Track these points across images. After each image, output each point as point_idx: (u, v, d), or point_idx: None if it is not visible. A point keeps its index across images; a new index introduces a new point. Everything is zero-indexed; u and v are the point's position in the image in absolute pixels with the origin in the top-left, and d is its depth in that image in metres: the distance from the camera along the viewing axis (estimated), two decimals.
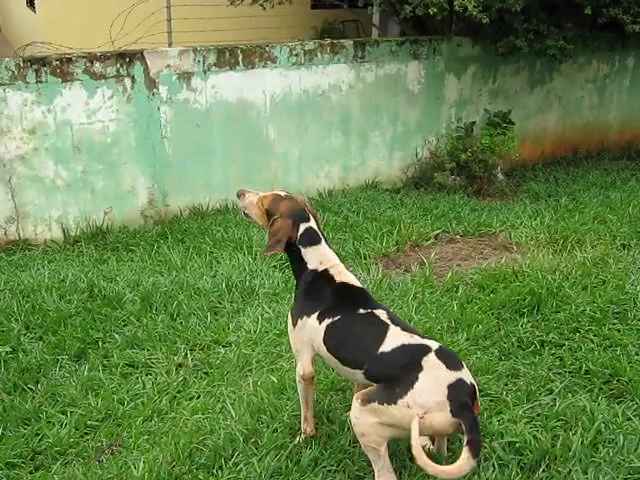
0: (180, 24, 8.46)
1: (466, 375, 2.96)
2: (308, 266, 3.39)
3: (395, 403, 2.89)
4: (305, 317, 3.34)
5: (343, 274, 3.39)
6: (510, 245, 6.54)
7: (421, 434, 2.83)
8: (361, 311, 3.25)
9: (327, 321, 3.26)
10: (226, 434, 3.67)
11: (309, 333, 3.34)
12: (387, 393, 2.93)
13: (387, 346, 3.07)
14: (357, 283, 3.40)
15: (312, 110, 7.87)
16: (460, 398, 2.85)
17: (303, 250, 3.38)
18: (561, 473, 3.28)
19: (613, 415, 3.71)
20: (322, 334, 3.27)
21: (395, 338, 3.09)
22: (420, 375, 2.89)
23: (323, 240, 3.43)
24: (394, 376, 2.96)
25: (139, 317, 5.22)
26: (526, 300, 4.96)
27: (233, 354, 4.61)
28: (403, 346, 3.04)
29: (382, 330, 3.13)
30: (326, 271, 3.37)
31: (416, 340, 3.08)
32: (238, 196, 3.58)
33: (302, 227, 3.38)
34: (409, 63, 8.29)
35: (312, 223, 3.42)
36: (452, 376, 2.89)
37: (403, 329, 3.15)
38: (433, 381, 2.87)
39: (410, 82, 8.39)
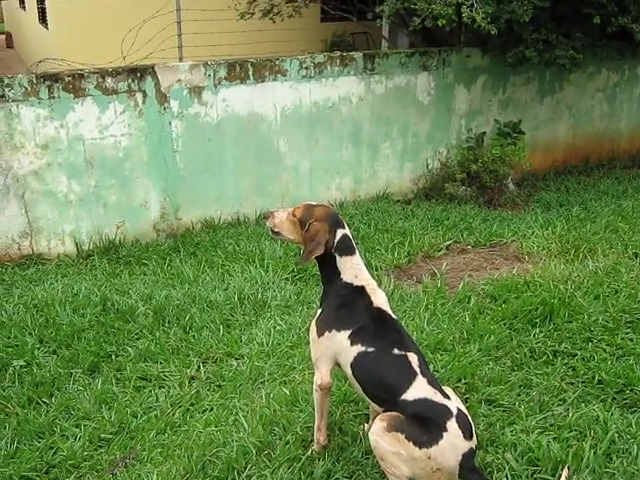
0: (191, 39, 8.52)
1: (475, 442, 3.09)
2: (342, 277, 3.30)
3: (420, 447, 2.97)
4: (334, 331, 3.28)
5: (378, 295, 3.34)
6: (522, 255, 6.52)
7: None
8: (396, 352, 3.20)
9: (360, 347, 3.22)
10: (239, 447, 3.67)
11: (336, 348, 3.29)
12: (415, 433, 2.99)
13: (410, 395, 3.09)
14: (390, 310, 3.36)
15: (322, 122, 7.90)
16: (469, 464, 3.02)
17: (339, 259, 3.29)
18: None
19: (627, 425, 3.69)
20: (351, 357, 3.24)
21: (419, 390, 3.10)
22: (444, 435, 2.99)
23: (357, 251, 3.37)
24: (418, 418, 3.03)
25: (152, 330, 5.25)
26: (538, 310, 4.94)
27: (245, 367, 4.62)
28: (425, 400, 3.08)
29: (410, 378, 3.13)
30: (362, 288, 3.30)
31: (438, 399, 3.10)
32: (266, 217, 3.47)
33: (339, 233, 3.30)
34: (419, 74, 8.32)
35: (347, 230, 3.35)
36: (467, 445, 3.02)
37: (429, 382, 3.15)
38: (453, 447, 2.99)
39: (420, 93, 8.41)
